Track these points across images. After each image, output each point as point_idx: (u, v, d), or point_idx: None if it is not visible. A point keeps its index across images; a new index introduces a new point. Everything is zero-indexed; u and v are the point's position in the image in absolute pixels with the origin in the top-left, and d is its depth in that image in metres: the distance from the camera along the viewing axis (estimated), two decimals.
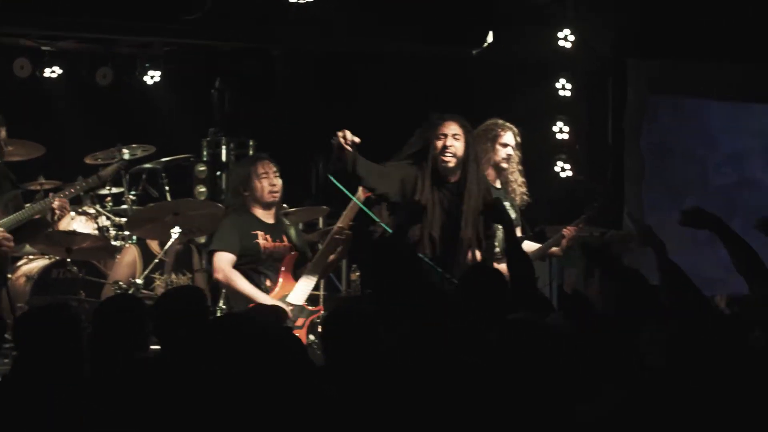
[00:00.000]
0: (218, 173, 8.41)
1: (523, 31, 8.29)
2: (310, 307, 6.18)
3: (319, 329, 6.73)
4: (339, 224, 6.04)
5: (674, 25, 8.71)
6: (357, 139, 5.34)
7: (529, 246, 6.56)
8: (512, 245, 5.02)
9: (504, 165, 6.30)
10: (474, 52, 6.77)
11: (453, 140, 5.59)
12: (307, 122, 8.35)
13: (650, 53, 9.03)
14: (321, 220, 7.95)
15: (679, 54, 9.05)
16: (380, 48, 8.46)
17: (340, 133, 5.33)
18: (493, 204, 5.41)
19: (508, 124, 6.37)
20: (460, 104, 7.93)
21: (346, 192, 5.66)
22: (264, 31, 8.12)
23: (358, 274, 8.03)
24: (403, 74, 8.44)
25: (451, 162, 5.57)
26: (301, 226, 7.29)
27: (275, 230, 6.13)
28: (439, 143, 5.59)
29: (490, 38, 6.58)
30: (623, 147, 9.02)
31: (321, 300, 7.13)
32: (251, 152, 8.27)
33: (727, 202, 9.04)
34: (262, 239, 6.05)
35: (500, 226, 5.52)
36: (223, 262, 5.94)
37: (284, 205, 6.82)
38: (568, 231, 6.42)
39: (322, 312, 6.35)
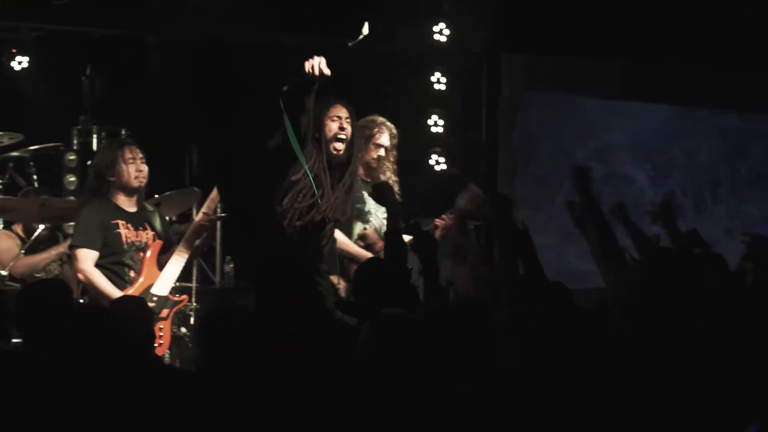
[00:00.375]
0: (89, 162, 8.21)
1: (399, 24, 8.31)
2: (174, 297, 6.05)
3: (192, 322, 6.71)
4: (204, 210, 5.95)
5: (548, 21, 8.85)
6: (327, 72, 5.33)
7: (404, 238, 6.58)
8: (393, 229, 5.03)
9: (374, 165, 6.29)
10: (350, 44, 6.72)
11: (346, 123, 5.61)
12: (180, 112, 8.23)
13: (524, 48, 9.16)
14: (194, 210, 7.82)
15: (552, 49, 9.21)
16: (256, 38, 8.38)
17: (316, 59, 5.31)
18: (381, 186, 5.42)
19: (387, 123, 6.36)
20: (336, 96, 7.95)
21: (291, 135, 5.43)
22: (137, 18, 7.97)
23: (232, 265, 7.95)
24: (280, 65, 8.38)
25: (342, 149, 5.58)
26: (175, 218, 7.19)
27: (137, 218, 5.99)
28: (334, 125, 5.60)
29: (365, 30, 6.56)
30: (497, 141, 9.13)
31: (193, 292, 7.06)
32: None
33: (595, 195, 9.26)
34: (124, 229, 5.91)
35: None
36: (85, 261, 5.78)
37: (156, 196, 6.72)
38: (440, 222, 6.42)
39: (186, 302, 6.27)
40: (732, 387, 3.15)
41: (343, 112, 5.63)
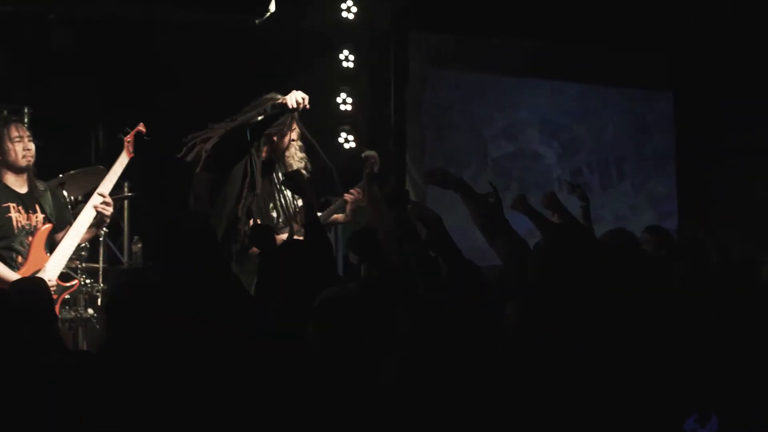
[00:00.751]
0: None
1: (307, 2, 8.29)
2: (64, 283, 5.74)
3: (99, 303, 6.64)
4: (99, 191, 5.77)
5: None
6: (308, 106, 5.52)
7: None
8: (310, 218, 4.98)
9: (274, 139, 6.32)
10: (257, 21, 6.69)
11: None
12: (86, 90, 8.09)
13: (432, 27, 9.19)
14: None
15: (460, 28, 9.26)
16: (162, 15, 8.27)
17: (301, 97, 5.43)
18: (294, 175, 5.41)
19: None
20: (244, 74, 7.90)
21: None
22: None
23: (140, 245, 7.87)
24: (188, 43, 8.30)
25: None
26: (81, 197, 7.04)
27: (28, 200, 5.71)
28: (287, 140, 5.80)
29: (272, 7, 6.53)
30: (405, 119, 9.16)
31: (101, 272, 6.98)
32: (26, 120, 7.94)
33: (504, 171, 9.37)
34: (15, 212, 5.65)
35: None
36: None
37: (60, 175, 6.61)
38: (349, 196, 6.40)
39: (78, 287, 6.14)
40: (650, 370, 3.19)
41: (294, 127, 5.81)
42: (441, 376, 3.04)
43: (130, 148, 5.72)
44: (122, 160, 5.74)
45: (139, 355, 3.34)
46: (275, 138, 5.89)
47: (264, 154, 5.82)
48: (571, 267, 3.51)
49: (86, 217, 5.69)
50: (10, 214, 5.63)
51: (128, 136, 5.72)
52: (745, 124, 9.82)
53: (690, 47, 9.86)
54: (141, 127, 5.74)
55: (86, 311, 6.49)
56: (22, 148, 5.66)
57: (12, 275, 5.44)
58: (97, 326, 6.48)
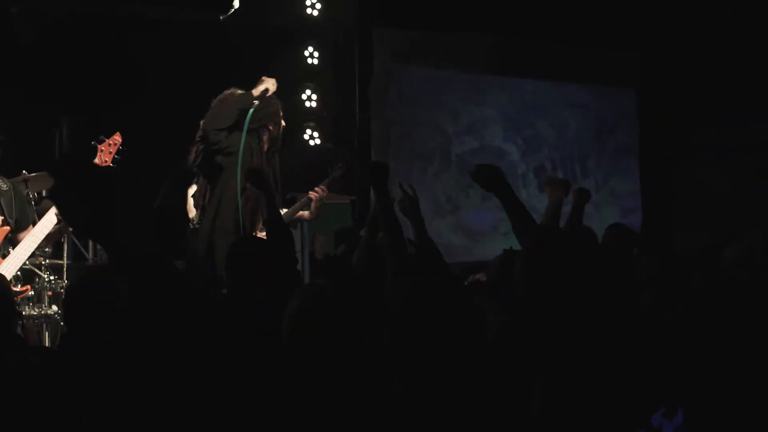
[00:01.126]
0: None
1: None
2: (14, 288, 5.65)
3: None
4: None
5: None
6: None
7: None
8: (271, 216, 4.97)
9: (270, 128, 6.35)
10: (222, 17, 6.69)
11: None
12: (50, 86, 8.05)
13: (396, 23, 9.21)
14: None
15: (424, 25, 9.29)
16: (128, 10, 8.24)
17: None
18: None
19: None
20: (209, 71, 7.89)
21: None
22: None
23: None
24: (153, 39, 8.27)
25: None
26: (45, 192, 7.00)
27: None
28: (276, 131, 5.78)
29: (237, 4, 6.53)
30: (370, 116, 9.19)
31: (65, 268, 6.95)
32: None
33: (466, 164, 9.42)
34: None
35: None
36: None
37: (24, 172, 6.57)
38: (314, 194, 6.41)
39: (29, 291, 6.10)
40: (628, 370, 3.21)
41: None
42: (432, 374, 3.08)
43: (104, 158, 5.65)
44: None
45: (98, 350, 3.34)
46: (272, 127, 5.92)
47: (265, 145, 5.82)
48: (562, 274, 3.51)
49: (47, 223, 5.62)
50: None
51: (103, 144, 5.67)
52: (708, 121, 9.93)
53: (653, 45, 9.95)
54: (118, 137, 5.69)
55: (50, 308, 6.46)
56: None
57: None
58: (61, 323, 6.45)
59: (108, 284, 3.71)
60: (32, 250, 5.67)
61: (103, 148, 5.62)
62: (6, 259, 5.57)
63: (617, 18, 9.52)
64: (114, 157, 5.62)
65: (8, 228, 5.63)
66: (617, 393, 3.11)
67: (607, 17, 9.47)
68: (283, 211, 6.62)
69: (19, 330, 4.64)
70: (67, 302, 3.75)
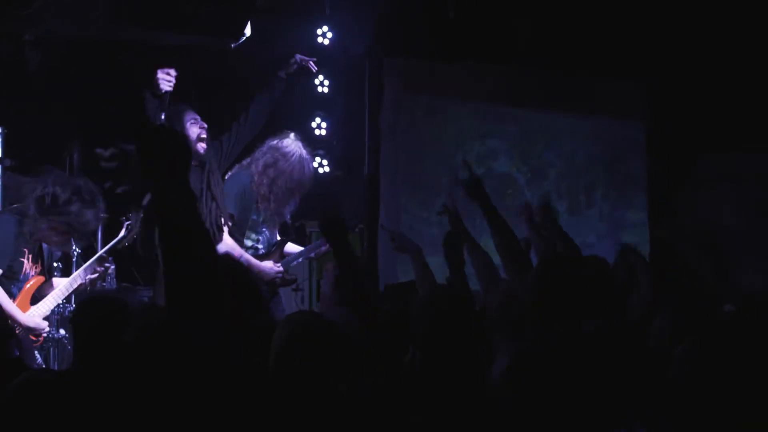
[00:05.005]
0: None
1: (282, 26, 8.32)
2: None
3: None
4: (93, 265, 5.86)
5: (430, 26, 8.96)
6: None
7: (291, 247, 6.70)
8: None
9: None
10: (233, 45, 6.73)
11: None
12: (60, 111, 8.09)
13: (406, 53, 9.24)
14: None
15: (435, 56, 9.32)
16: (139, 37, 8.28)
17: None
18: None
19: None
20: (220, 98, 7.93)
21: None
22: (12, 14, 7.79)
23: (113, 267, 7.86)
24: (164, 65, 8.29)
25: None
26: None
27: (38, 248, 5.83)
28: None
29: (248, 31, 6.58)
30: (380, 145, 9.20)
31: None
32: (0, 141, 7.91)
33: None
34: (26, 259, 5.75)
35: None
36: None
37: None
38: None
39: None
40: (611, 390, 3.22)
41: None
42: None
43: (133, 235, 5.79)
44: (119, 238, 5.83)
45: (104, 372, 3.34)
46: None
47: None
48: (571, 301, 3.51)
49: (73, 282, 5.77)
50: (23, 259, 5.71)
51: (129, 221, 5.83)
52: (717, 154, 9.95)
53: (662, 76, 9.97)
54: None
55: (58, 331, 6.48)
56: None
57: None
58: (69, 347, 6.46)
59: (113, 304, 3.73)
60: (54, 305, 5.81)
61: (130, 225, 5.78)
62: (32, 307, 5.68)
63: (625, 49, 9.55)
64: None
65: (43, 278, 5.73)
66: (580, 411, 3.13)
67: (615, 48, 9.50)
68: (296, 248, 6.68)
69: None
70: (72, 321, 3.77)
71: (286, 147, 6.53)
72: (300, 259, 6.82)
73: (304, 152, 6.61)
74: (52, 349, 6.50)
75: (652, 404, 3.18)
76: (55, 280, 6.08)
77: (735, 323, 3.88)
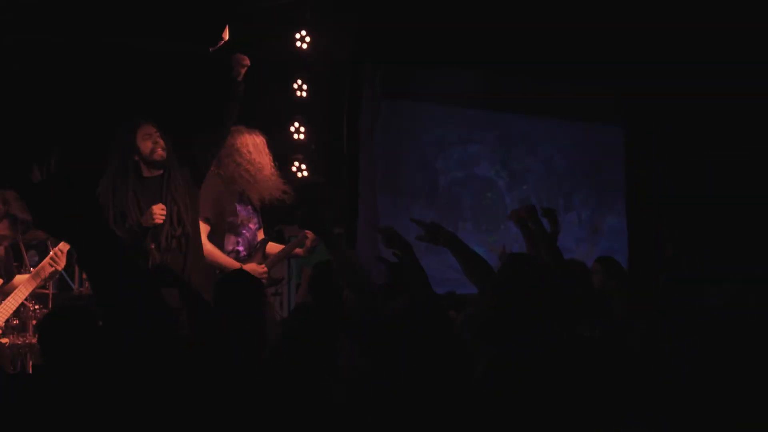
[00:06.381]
0: None
1: (261, 31, 8.30)
2: None
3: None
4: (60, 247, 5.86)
5: (409, 31, 8.96)
6: None
7: (273, 247, 6.69)
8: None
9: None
10: (210, 49, 6.70)
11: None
12: (40, 116, 8.04)
13: (386, 58, 9.23)
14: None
15: (414, 60, 9.31)
16: (116, 41, 8.25)
17: None
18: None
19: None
20: (197, 102, 7.88)
21: None
22: None
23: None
24: (142, 70, 8.27)
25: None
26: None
27: None
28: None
29: (226, 36, 6.55)
30: (358, 150, 9.19)
31: (50, 298, 6.93)
32: None
33: (454, 196, 9.43)
34: None
35: None
36: None
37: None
38: (310, 233, 6.55)
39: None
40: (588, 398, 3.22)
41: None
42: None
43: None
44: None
45: (72, 378, 3.32)
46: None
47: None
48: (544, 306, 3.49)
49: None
50: None
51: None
52: (697, 160, 9.99)
53: (641, 82, 10.00)
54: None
55: (34, 337, 6.44)
56: None
57: None
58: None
59: (81, 312, 3.71)
60: (21, 301, 5.80)
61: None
62: None
63: (604, 55, 9.57)
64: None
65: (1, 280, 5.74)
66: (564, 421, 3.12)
67: (595, 54, 9.53)
68: (279, 247, 6.70)
69: None
70: (39, 329, 3.75)
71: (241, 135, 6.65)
72: (283, 258, 6.83)
73: (257, 139, 6.70)
74: (28, 354, 6.47)
75: (634, 409, 3.18)
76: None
77: (721, 323, 3.88)
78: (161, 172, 5.87)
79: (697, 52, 9.50)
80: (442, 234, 4.41)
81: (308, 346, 3.20)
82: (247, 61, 5.89)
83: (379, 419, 3.07)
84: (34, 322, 6.64)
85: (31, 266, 6.73)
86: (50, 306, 6.83)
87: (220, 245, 6.36)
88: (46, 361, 3.60)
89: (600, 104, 10.34)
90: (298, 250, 6.72)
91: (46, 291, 6.93)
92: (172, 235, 5.70)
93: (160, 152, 5.83)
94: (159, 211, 5.59)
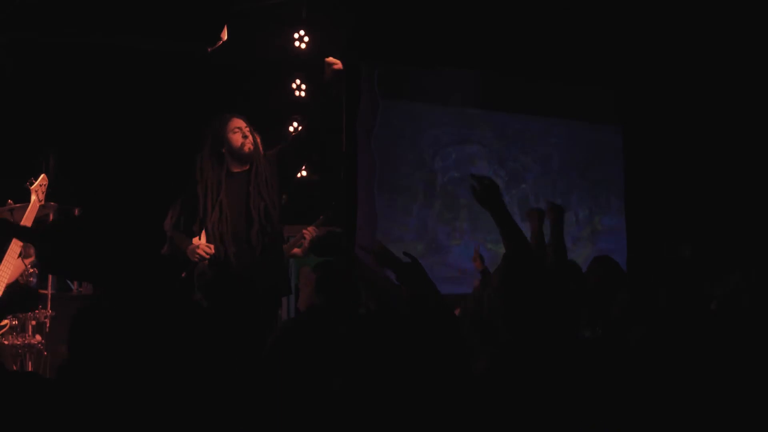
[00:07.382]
0: None
1: (259, 30, 8.32)
2: None
3: (48, 329, 6.59)
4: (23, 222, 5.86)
5: (407, 31, 8.97)
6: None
7: None
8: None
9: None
10: (209, 49, 6.71)
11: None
12: (35, 115, 8.05)
13: (384, 57, 9.24)
14: None
15: (411, 60, 9.32)
16: (114, 41, 8.25)
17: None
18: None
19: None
20: (196, 102, 7.90)
21: None
22: None
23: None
24: (140, 69, 8.28)
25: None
26: None
27: None
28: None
29: (225, 36, 6.56)
30: (356, 149, 9.20)
31: (49, 298, 6.92)
32: None
33: (452, 195, 9.43)
34: None
35: None
36: None
37: (9, 201, 6.57)
38: (308, 232, 6.53)
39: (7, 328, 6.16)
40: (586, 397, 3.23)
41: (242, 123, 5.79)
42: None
43: (40, 197, 5.81)
44: (33, 206, 5.82)
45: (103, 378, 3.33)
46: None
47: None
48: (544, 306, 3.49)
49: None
50: None
51: (34, 186, 5.82)
52: (695, 159, 10.00)
53: (639, 81, 10.02)
54: (44, 179, 5.82)
55: (33, 337, 6.44)
56: None
57: None
58: (45, 353, 6.43)
59: (113, 312, 3.70)
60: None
61: (36, 189, 5.79)
62: None
63: (602, 54, 9.59)
64: (45, 196, 5.82)
65: None
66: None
67: (592, 54, 9.54)
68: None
69: None
70: (72, 329, 3.74)
71: None
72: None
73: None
74: (28, 354, 6.47)
75: (633, 408, 3.18)
76: None
77: (721, 321, 3.89)
78: (248, 167, 5.79)
79: (697, 52, 9.51)
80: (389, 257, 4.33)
81: (316, 348, 3.21)
82: (340, 65, 5.84)
83: (384, 417, 3.08)
84: (34, 322, 6.64)
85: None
86: (49, 306, 6.83)
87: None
88: (74, 359, 3.58)
89: (598, 103, 10.35)
90: (296, 250, 6.69)
91: (45, 291, 6.93)
92: (263, 233, 5.58)
93: (249, 146, 5.77)
94: (202, 251, 5.45)
